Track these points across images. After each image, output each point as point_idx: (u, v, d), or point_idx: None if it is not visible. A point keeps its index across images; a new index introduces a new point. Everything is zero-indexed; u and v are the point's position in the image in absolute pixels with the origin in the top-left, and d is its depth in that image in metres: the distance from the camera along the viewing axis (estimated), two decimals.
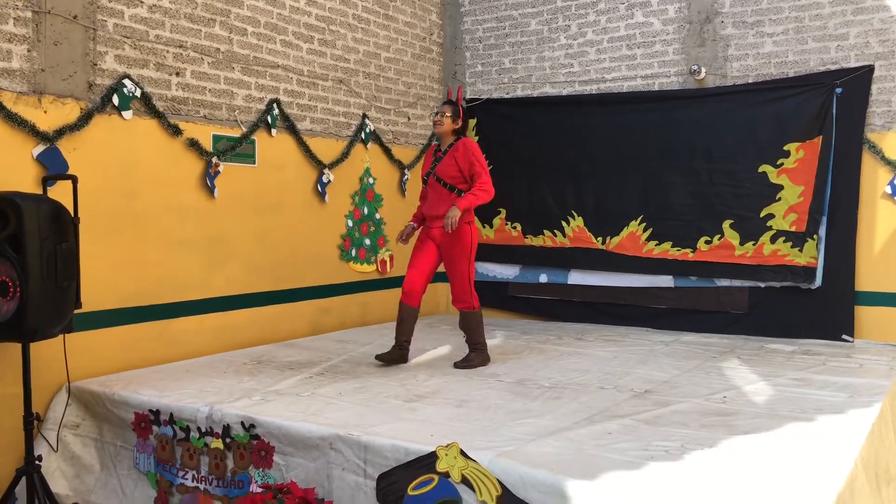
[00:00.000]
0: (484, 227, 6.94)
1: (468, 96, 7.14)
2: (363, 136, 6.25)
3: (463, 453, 2.94)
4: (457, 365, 4.65)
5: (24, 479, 3.63)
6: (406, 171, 6.72)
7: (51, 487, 3.78)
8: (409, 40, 6.81)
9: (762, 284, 5.80)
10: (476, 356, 4.72)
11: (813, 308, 5.62)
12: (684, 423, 3.39)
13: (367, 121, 6.28)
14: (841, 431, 3.28)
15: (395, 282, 6.65)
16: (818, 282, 5.59)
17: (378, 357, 4.66)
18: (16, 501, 3.76)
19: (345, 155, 6.05)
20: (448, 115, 4.75)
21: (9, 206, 3.47)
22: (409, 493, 3.01)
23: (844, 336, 5.52)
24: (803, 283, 5.62)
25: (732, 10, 5.98)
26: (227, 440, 3.57)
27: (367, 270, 6.38)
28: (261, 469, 3.47)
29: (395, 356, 4.71)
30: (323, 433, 3.30)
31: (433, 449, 3.00)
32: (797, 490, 2.61)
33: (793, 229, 5.65)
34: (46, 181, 4.02)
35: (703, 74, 6.03)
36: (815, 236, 5.58)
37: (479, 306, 4.84)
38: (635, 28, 6.38)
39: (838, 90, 5.54)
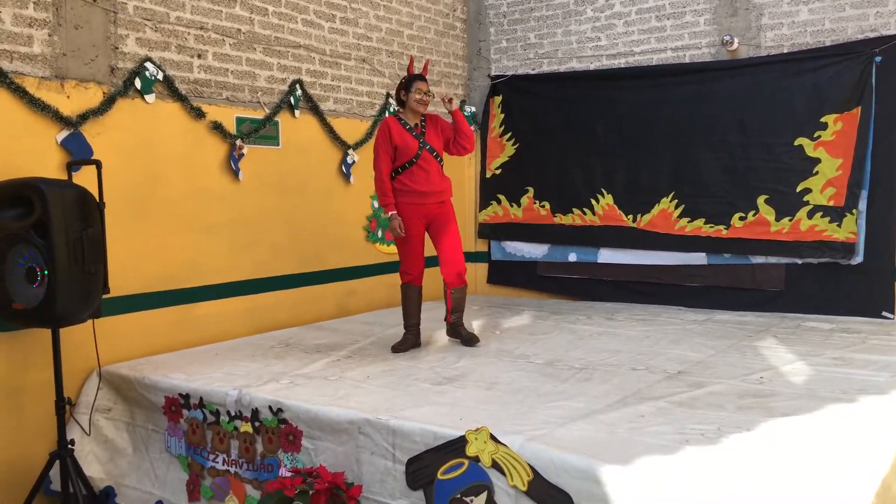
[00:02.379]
0: (511, 205, 6.86)
1: (493, 73, 7.02)
2: (387, 115, 6.17)
3: (493, 437, 2.89)
4: (396, 349, 4.57)
5: (57, 462, 3.67)
6: None
7: (84, 471, 3.82)
8: (432, 17, 6.70)
9: (799, 261, 5.65)
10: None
11: (852, 284, 5.47)
12: (720, 406, 3.30)
13: (390, 100, 6.20)
14: (884, 412, 3.18)
15: None
16: (859, 257, 5.43)
17: (395, 349, 4.56)
18: (50, 484, 3.81)
19: (369, 135, 5.98)
20: (430, 91, 4.68)
21: (34, 192, 3.47)
22: (439, 477, 2.98)
23: (885, 313, 5.36)
24: (842, 259, 5.46)
25: None
26: (256, 424, 3.56)
27: (393, 251, 6.31)
28: (290, 453, 3.46)
29: (413, 342, 4.65)
30: (351, 417, 3.28)
31: (463, 433, 2.96)
32: (840, 474, 2.52)
33: (831, 204, 5.48)
34: (71, 166, 4.02)
35: (735, 45, 5.85)
36: (854, 211, 5.41)
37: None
38: None
39: (877, 59, 5.34)
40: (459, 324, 4.77)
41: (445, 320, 4.82)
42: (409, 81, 4.63)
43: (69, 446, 3.69)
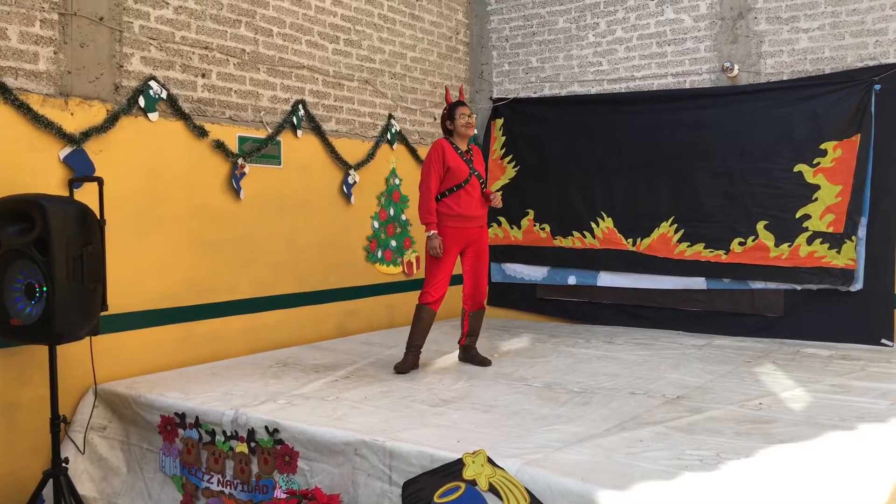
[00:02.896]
0: (512, 227, 6.87)
1: (495, 96, 7.06)
2: (389, 136, 6.21)
3: (490, 461, 2.87)
4: (399, 369, 4.57)
5: (51, 481, 3.64)
6: None
7: (77, 490, 3.78)
8: (435, 40, 6.76)
9: (798, 287, 5.65)
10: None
11: (851, 311, 5.46)
12: (719, 431, 3.28)
13: (392, 121, 6.24)
14: (883, 440, 3.16)
15: (421, 284, 6.58)
16: (859, 284, 5.43)
17: (398, 370, 4.55)
18: (43, 503, 3.77)
19: (371, 156, 6.01)
20: (475, 117, 4.84)
21: (35, 208, 3.47)
22: (436, 500, 2.95)
23: (884, 340, 5.35)
24: (841, 286, 5.46)
25: (766, 5, 5.83)
26: (252, 444, 3.54)
27: (393, 272, 6.33)
28: (285, 474, 3.43)
29: (413, 363, 4.66)
30: (348, 438, 3.26)
31: (460, 456, 2.94)
32: (839, 502, 2.50)
33: (830, 230, 5.49)
34: (73, 183, 4.03)
35: (735, 72, 5.89)
36: (853, 237, 5.42)
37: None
38: (665, 25, 6.25)
39: (877, 87, 5.38)
40: (473, 346, 4.87)
41: (459, 343, 4.92)
42: (452, 109, 4.77)
43: (63, 465, 3.66)
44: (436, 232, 4.64)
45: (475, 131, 4.83)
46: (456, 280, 4.96)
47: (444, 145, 4.71)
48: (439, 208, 4.70)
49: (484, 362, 4.77)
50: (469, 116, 4.73)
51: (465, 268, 4.88)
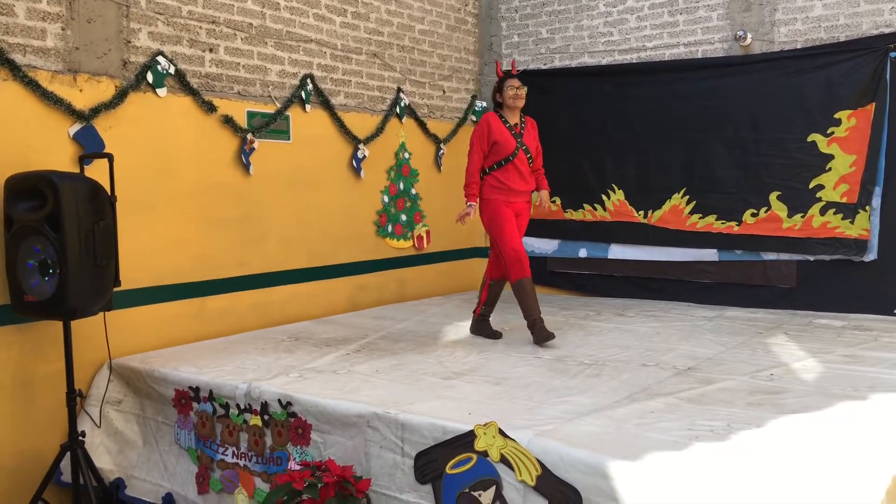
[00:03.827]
0: None
1: (505, 67, 6.99)
2: (398, 110, 6.17)
3: (502, 432, 2.88)
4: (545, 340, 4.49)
5: (68, 454, 3.70)
6: (442, 145, 6.64)
7: (95, 462, 3.85)
8: (443, 11, 6.69)
9: (811, 258, 5.61)
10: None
11: (864, 282, 5.42)
12: (730, 402, 3.28)
13: (401, 95, 6.20)
14: (895, 410, 3.15)
15: (431, 258, 6.61)
16: (873, 254, 5.38)
17: (543, 341, 4.45)
18: (61, 476, 3.84)
19: (380, 130, 5.98)
20: (525, 89, 4.79)
21: (46, 185, 3.49)
22: (448, 471, 2.98)
23: None
24: (855, 256, 5.42)
25: None
26: (266, 417, 3.57)
27: (403, 246, 6.33)
28: (299, 446, 3.47)
29: (548, 331, 4.52)
30: (360, 411, 3.28)
31: (471, 427, 2.95)
32: (851, 472, 2.50)
33: (844, 200, 5.44)
34: (83, 160, 4.04)
35: (749, 40, 5.80)
36: (867, 207, 5.37)
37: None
38: None
39: (892, 54, 5.28)
40: (487, 318, 4.86)
41: (474, 312, 4.90)
42: (501, 81, 4.79)
43: (80, 438, 3.72)
44: (474, 204, 4.68)
45: (522, 103, 4.78)
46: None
47: (490, 119, 4.71)
48: (489, 181, 4.72)
49: (495, 335, 4.76)
50: (518, 88, 4.71)
51: None
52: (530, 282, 4.66)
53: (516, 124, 4.75)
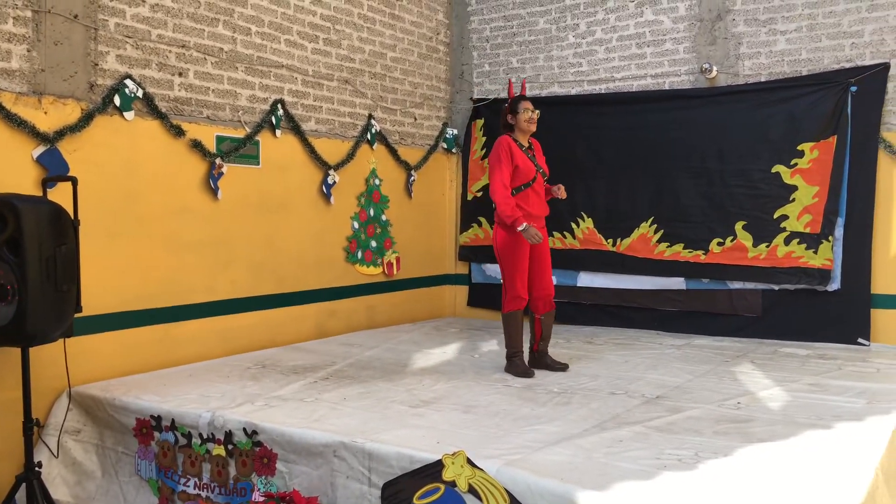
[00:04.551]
0: (492, 227, 6.85)
1: (475, 96, 7.06)
2: (369, 136, 6.18)
3: (470, 462, 2.86)
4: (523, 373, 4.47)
5: (24, 485, 3.58)
6: (413, 172, 6.65)
7: (51, 494, 3.72)
8: (415, 40, 6.74)
9: (776, 287, 5.69)
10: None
11: (828, 311, 5.51)
12: (697, 431, 3.29)
13: (372, 121, 6.21)
14: (860, 439, 3.18)
15: (401, 284, 6.58)
16: (836, 284, 5.48)
17: (521, 375, 4.43)
18: None
19: (350, 156, 5.97)
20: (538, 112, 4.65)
21: (7, 208, 3.41)
22: (415, 502, 2.94)
23: (860, 339, 5.40)
24: (818, 286, 5.51)
25: (744, 7, 5.87)
26: (230, 447, 3.50)
27: (373, 273, 6.30)
28: (263, 476, 3.40)
29: (527, 367, 4.53)
30: (326, 440, 3.23)
31: (439, 457, 2.92)
32: (817, 501, 2.51)
33: (807, 230, 5.54)
34: (46, 183, 3.96)
35: (714, 73, 5.93)
36: (830, 238, 5.47)
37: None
38: (645, 26, 6.28)
39: (853, 88, 5.43)
40: (546, 352, 4.69)
41: (532, 349, 4.69)
42: (515, 103, 4.61)
43: (36, 469, 3.60)
44: (526, 224, 4.38)
45: (535, 128, 4.63)
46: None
47: (510, 142, 4.52)
48: None
49: (562, 367, 4.59)
50: (533, 112, 4.57)
51: (532, 269, 4.62)
52: (521, 315, 4.58)
53: (529, 147, 4.65)
